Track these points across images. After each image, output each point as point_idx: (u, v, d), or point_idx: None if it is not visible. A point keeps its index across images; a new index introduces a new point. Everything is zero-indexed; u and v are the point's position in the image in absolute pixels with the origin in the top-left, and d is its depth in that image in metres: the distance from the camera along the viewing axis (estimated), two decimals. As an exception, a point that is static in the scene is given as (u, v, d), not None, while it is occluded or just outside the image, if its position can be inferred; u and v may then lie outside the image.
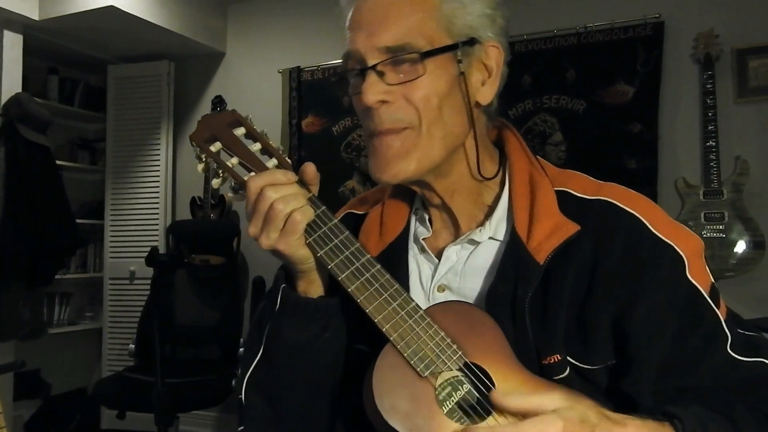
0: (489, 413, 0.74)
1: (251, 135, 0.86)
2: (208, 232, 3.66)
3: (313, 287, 0.87)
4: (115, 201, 4.13)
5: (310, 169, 0.84)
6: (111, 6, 3.32)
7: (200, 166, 0.87)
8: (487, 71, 0.88)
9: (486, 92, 0.89)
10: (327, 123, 3.73)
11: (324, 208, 0.84)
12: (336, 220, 0.84)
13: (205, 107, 4.10)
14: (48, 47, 3.91)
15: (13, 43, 3.52)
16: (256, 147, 0.86)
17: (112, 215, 4.13)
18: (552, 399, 0.70)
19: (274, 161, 0.85)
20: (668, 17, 2.95)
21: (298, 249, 0.82)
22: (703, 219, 2.76)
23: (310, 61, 3.78)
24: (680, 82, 2.95)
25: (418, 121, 0.83)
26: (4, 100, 3.38)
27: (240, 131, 0.86)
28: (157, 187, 4.05)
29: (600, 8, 3.08)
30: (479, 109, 0.89)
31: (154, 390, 2.42)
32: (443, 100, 0.84)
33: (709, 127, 2.79)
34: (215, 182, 0.86)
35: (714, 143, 2.78)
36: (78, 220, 3.70)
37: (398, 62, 0.82)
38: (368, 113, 0.84)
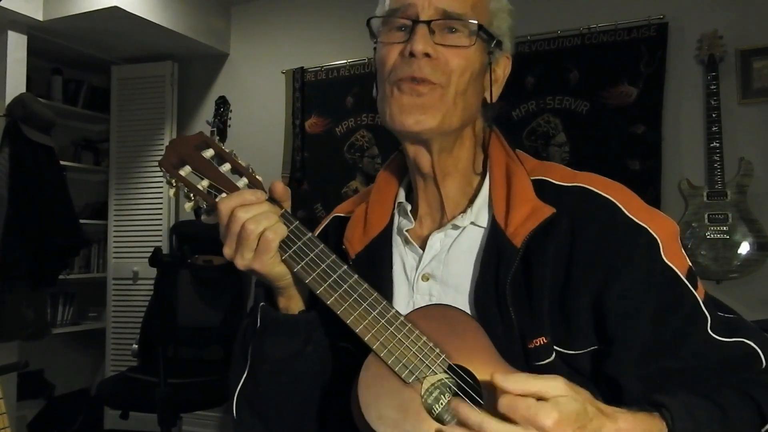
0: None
1: (220, 156, 0.87)
2: (212, 232, 3.64)
3: (293, 302, 0.88)
4: (119, 201, 4.14)
5: (278, 186, 0.85)
6: (115, 7, 3.33)
7: (171, 191, 0.87)
8: (495, 77, 0.94)
9: (494, 92, 0.94)
10: (330, 124, 3.73)
11: (297, 223, 0.84)
12: (310, 234, 0.84)
13: (208, 108, 4.11)
14: (52, 48, 3.92)
15: (17, 43, 3.52)
16: (225, 167, 0.86)
17: (115, 216, 4.13)
18: (556, 385, 0.68)
19: (244, 180, 0.86)
20: (672, 18, 2.95)
21: (273, 267, 0.83)
22: (706, 220, 2.75)
23: (313, 62, 3.79)
24: (684, 84, 2.94)
25: (448, 84, 0.86)
26: (8, 100, 3.38)
27: (209, 153, 0.87)
28: (161, 187, 4.05)
29: (603, 9, 3.08)
30: (483, 108, 0.95)
31: (157, 390, 2.42)
32: (472, 79, 0.88)
33: (713, 129, 2.79)
34: (188, 206, 0.87)
35: (718, 144, 2.78)
36: (81, 221, 3.71)
37: (450, 28, 0.87)
38: (406, 61, 0.86)
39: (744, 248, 2.70)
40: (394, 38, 0.89)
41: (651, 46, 2.95)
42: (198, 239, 3.58)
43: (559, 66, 3.13)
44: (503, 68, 0.95)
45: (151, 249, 2.69)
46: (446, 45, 0.86)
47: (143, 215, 4.09)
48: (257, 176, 0.86)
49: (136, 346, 3.37)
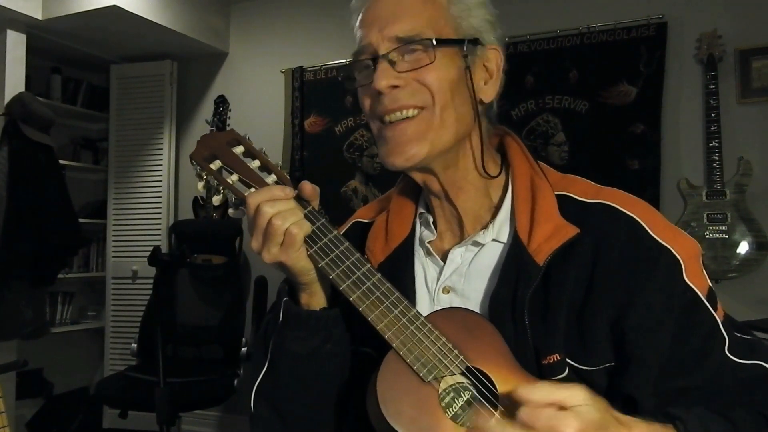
0: (492, 416, 0.75)
1: (250, 153, 0.89)
2: (211, 231, 3.66)
3: (315, 299, 0.89)
4: (118, 200, 4.14)
5: (307, 186, 0.87)
6: (114, 6, 3.33)
7: (200, 184, 0.89)
8: (488, 73, 0.92)
9: (488, 91, 0.92)
10: (329, 123, 3.73)
11: (324, 220, 0.86)
12: (335, 232, 0.85)
13: (207, 107, 4.11)
14: (51, 47, 3.92)
15: (17, 42, 3.52)
16: (255, 164, 0.89)
17: (114, 215, 4.13)
18: (577, 395, 0.68)
19: (273, 177, 0.88)
20: (671, 18, 2.95)
21: (299, 261, 0.84)
22: (705, 220, 2.75)
23: (312, 61, 3.79)
24: (683, 83, 2.94)
25: (432, 102, 0.86)
26: (8, 99, 3.38)
27: (239, 149, 0.89)
28: (160, 186, 4.06)
29: (603, 8, 3.08)
30: (482, 108, 0.93)
31: (156, 389, 2.42)
32: (453, 88, 0.87)
33: (712, 128, 2.79)
34: (216, 199, 0.89)
35: (717, 144, 2.78)
36: (81, 220, 3.71)
37: (409, 51, 0.86)
38: (378, 98, 0.87)
39: (743, 248, 2.70)
40: (364, 79, 0.90)
41: (650, 46, 2.96)
42: (197, 238, 3.58)
43: (559, 65, 3.13)
44: (494, 61, 0.92)
45: (150, 248, 2.70)
46: (411, 70, 0.86)
47: (142, 214, 4.09)
48: (286, 174, 0.88)
49: (135, 345, 3.37)
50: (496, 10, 0.93)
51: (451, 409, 0.77)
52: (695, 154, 2.89)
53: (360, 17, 0.90)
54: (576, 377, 0.81)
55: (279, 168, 0.88)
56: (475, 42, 0.89)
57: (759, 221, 2.70)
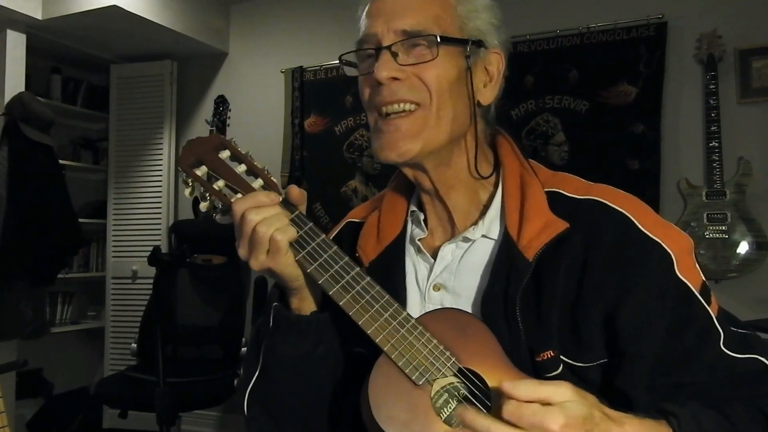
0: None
1: (236, 157, 0.88)
2: (211, 231, 3.66)
3: (305, 303, 0.89)
4: (118, 200, 4.14)
5: (293, 191, 0.87)
6: (114, 5, 3.32)
7: (187, 191, 0.88)
8: (488, 76, 0.93)
9: (487, 94, 0.93)
10: (329, 123, 3.73)
11: (311, 225, 0.85)
12: (323, 236, 0.85)
13: (207, 107, 4.11)
14: (51, 47, 3.92)
15: (17, 42, 3.52)
16: (241, 168, 0.88)
17: (114, 215, 4.13)
18: (563, 392, 0.68)
19: (260, 181, 0.87)
20: (671, 17, 2.95)
21: (287, 267, 0.84)
22: (705, 220, 2.75)
23: (312, 61, 3.79)
24: (683, 83, 2.94)
25: (429, 100, 0.87)
26: (8, 99, 3.38)
27: (225, 154, 0.88)
28: (160, 186, 4.06)
29: (603, 8, 3.08)
30: (480, 110, 0.93)
31: (156, 389, 2.42)
32: (452, 87, 0.88)
33: (712, 128, 2.79)
34: (203, 205, 0.88)
35: (717, 144, 2.78)
36: (81, 220, 3.71)
37: (413, 45, 0.87)
38: (377, 89, 0.87)
39: (743, 248, 2.70)
40: (365, 68, 0.90)
41: (650, 46, 2.95)
42: (197, 238, 3.58)
43: (559, 65, 3.12)
44: (496, 65, 0.93)
45: (150, 248, 2.69)
46: (412, 64, 0.86)
47: (142, 214, 4.09)
48: (272, 178, 0.88)
49: (135, 345, 3.37)
50: (502, 15, 0.93)
51: (444, 411, 0.76)
52: (695, 154, 2.89)
53: (367, 7, 0.91)
54: (570, 374, 0.81)
55: (266, 171, 0.88)
56: (479, 44, 0.90)
57: (759, 221, 2.70)
